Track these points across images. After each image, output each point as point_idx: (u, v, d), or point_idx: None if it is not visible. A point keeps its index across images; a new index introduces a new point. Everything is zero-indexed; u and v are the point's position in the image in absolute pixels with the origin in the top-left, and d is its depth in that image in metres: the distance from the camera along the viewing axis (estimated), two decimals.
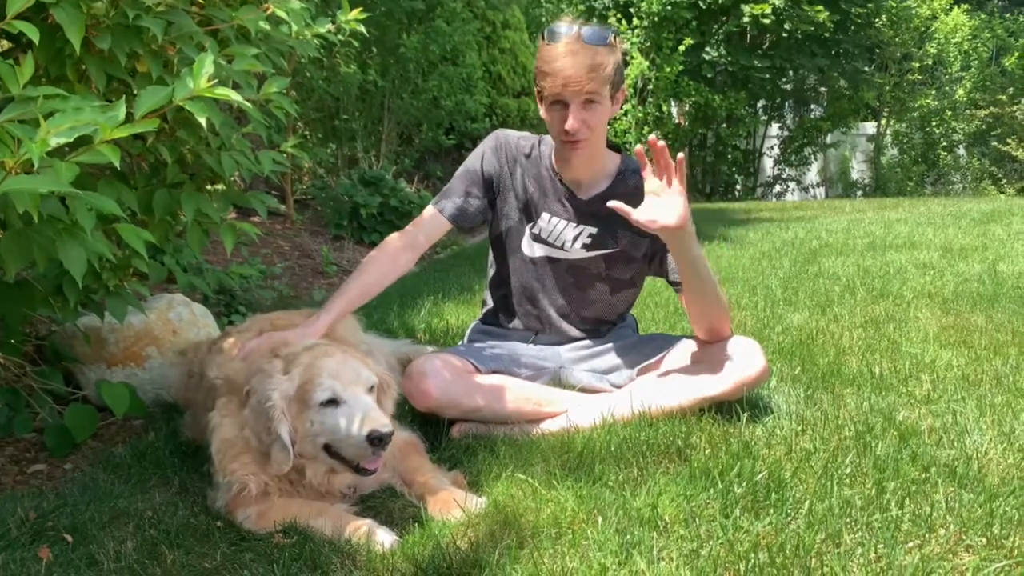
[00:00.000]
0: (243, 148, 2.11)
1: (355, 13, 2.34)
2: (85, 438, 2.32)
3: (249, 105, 1.79)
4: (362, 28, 2.37)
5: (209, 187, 2.20)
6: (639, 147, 2.01)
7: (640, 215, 2.04)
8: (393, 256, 2.32)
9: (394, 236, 2.37)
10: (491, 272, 2.58)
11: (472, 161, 2.43)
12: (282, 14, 2.03)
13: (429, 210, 2.41)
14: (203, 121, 1.51)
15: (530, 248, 2.43)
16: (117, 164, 1.35)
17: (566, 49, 2.10)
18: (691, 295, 2.22)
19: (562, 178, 2.35)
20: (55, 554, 1.65)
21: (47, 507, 1.85)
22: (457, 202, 2.39)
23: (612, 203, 2.07)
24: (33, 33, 1.40)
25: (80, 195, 1.40)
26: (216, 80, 1.54)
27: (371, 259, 2.32)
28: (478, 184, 2.40)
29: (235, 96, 1.55)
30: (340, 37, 2.40)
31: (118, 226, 1.69)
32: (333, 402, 1.81)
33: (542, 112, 2.24)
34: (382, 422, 1.77)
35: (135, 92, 1.74)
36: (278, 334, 2.08)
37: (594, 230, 2.36)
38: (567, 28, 2.13)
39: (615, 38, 2.17)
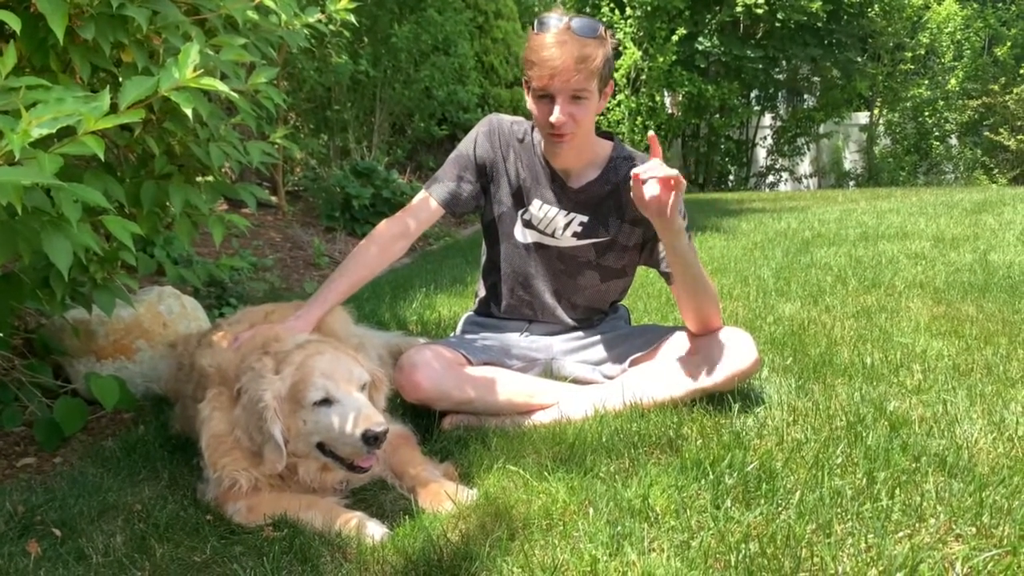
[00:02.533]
0: (232, 139, 2.09)
1: (345, 2, 2.32)
2: (74, 431, 2.31)
3: (236, 96, 1.78)
4: (352, 18, 2.35)
5: (199, 179, 2.18)
6: (652, 133, 1.96)
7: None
8: (384, 245, 2.31)
9: (385, 224, 2.35)
10: (483, 259, 2.57)
11: (465, 146, 2.41)
12: (271, 4, 2.00)
13: (420, 196, 2.39)
14: (189, 112, 1.50)
15: (522, 234, 2.42)
16: (101, 155, 1.33)
17: (555, 39, 2.08)
18: (681, 287, 2.22)
19: (552, 167, 2.34)
20: (44, 548, 1.64)
21: (36, 501, 1.84)
22: (449, 186, 2.37)
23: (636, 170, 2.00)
24: (15, 22, 1.37)
25: (65, 187, 1.38)
26: (202, 70, 1.52)
27: (361, 248, 2.30)
28: (471, 169, 2.38)
29: (221, 86, 1.53)
30: (331, 27, 2.37)
31: (104, 218, 1.67)
32: (327, 401, 1.80)
33: (528, 103, 2.22)
34: (376, 420, 1.77)
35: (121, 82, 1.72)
36: (269, 327, 2.06)
37: (585, 218, 2.35)
38: (557, 19, 2.10)
39: (605, 31, 2.15)
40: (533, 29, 2.15)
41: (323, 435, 1.81)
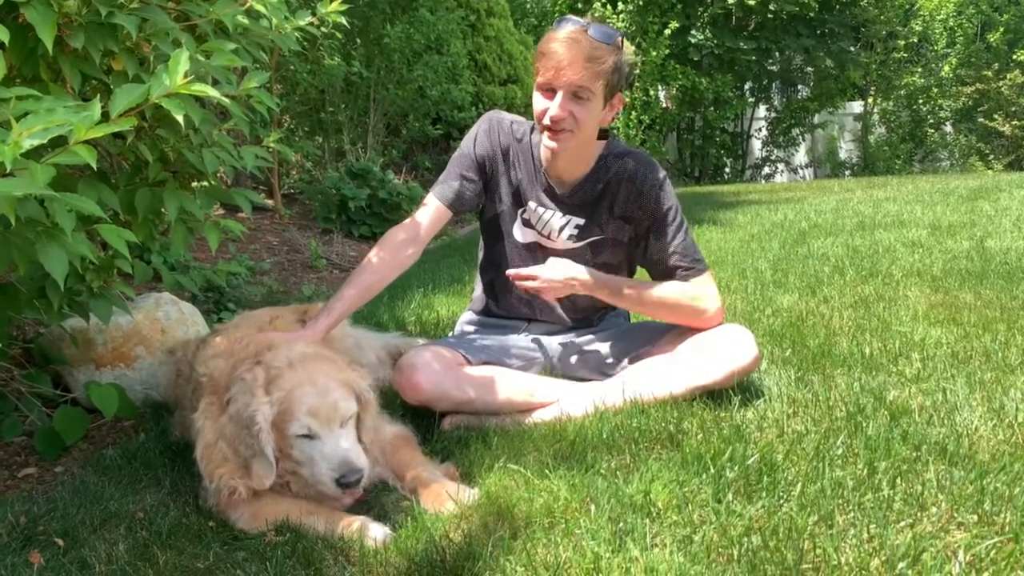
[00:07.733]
0: (225, 144, 2.09)
1: (335, 5, 2.31)
2: (75, 440, 2.31)
3: (227, 101, 1.77)
4: (343, 20, 2.34)
5: (194, 184, 2.17)
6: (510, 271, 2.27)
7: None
8: (392, 252, 2.28)
9: (397, 230, 2.34)
10: (480, 256, 2.56)
11: (466, 144, 2.41)
12: (261, 8, 2.00)
13: (428, 199, 2.39)
14: (180, 118, 1.50)
15: (522, 233, 2.42)
16: (93, 165, 1.33)
17: (568, 36, 2.09)
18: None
19: (546, 171, 2.33)
20: (46, 559, 1.64)
21: (37, 511, 1.84)
22: (453, 186, 2.37)
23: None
24: (3, 34, 1.37)
25: (58, 197, 1.38)
26: (193, 76, 1.51)
27: (370, 256, 2.28)
28: (472, 167, 2.38)
29: (212, 92, 1.53)
30: (323, 29, 2.36)
31: (99, 227, 1.67)
32: (308, 436, 1.80)
33: (534, 99, 2.21)
34: (353, 467, 1.76)
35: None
36: (272, 335, 2.05)
37: (581, 220, 2.34)
38: (576, 20, 2.12)
39: (622, 41, 2.15)
40: (552, 28, 2.17)
41: (303, 467, 1.81)
